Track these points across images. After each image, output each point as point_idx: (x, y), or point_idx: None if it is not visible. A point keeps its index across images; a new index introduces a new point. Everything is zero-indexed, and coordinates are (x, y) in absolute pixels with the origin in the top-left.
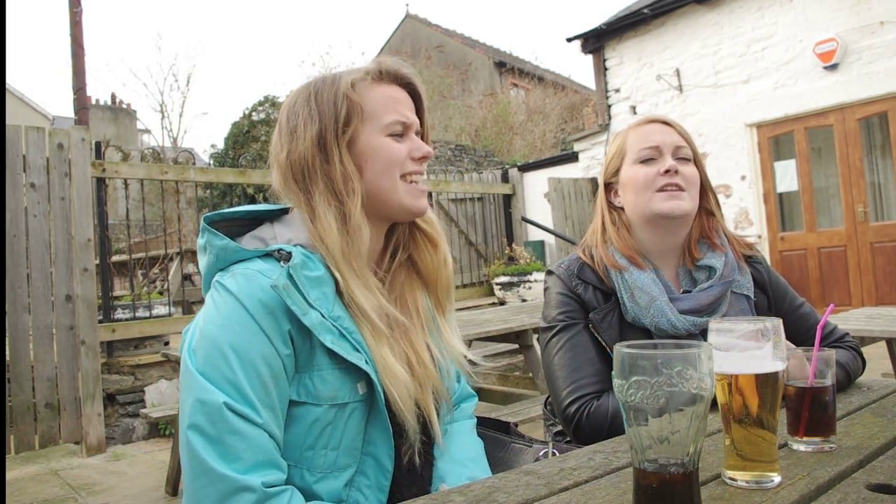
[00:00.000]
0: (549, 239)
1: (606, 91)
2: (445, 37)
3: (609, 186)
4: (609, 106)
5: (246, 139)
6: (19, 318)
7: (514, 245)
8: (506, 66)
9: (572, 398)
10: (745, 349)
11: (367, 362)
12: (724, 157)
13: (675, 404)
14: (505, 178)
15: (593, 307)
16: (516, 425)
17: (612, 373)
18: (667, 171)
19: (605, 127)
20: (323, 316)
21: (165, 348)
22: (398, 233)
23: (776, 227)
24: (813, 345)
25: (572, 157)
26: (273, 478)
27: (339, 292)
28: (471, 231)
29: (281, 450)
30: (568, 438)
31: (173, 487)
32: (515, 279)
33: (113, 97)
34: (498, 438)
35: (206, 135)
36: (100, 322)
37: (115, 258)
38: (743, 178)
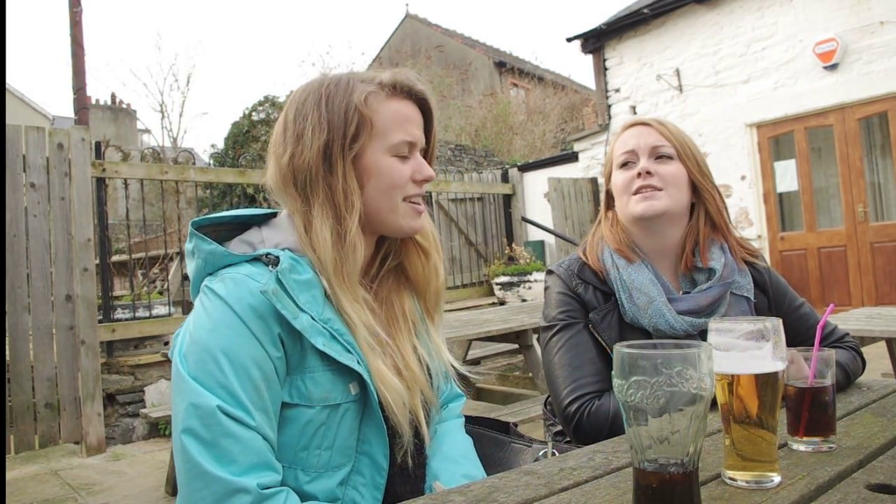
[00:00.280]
0: (549, 239)
1: (606, 91)
2: (445, 37)
3: (609, 192)
4: (609, 106)
5: (246, 139)
6: (19, 317)
7: (513, 245)
8: (506, 66)
9: (573, 397)
10: (745, 349)
11: (358, 363)
12: (724, 157)
13: (675, 404)
14: (505, 178)
15: (593, 307)
16: (516, 425)
17: (612, 373)
18: (639, 175)
19: (605, 127)
20: (313, 319)
21: (165, 348)
22: (390, 240)
23: (776, 227)
24: (813, 345)
25: (572, 157)
26: (268, 479)
27: (327, 295)
28: (471, 231)
29: (275, 452)
30: (568, 438)
31: (173, 487)
32: (515, 279)
33: (113, 97)
34: (498, 438)
35: (206, 135)
36: (100, 322)
37: (115, 258)
38: (743, 178)
